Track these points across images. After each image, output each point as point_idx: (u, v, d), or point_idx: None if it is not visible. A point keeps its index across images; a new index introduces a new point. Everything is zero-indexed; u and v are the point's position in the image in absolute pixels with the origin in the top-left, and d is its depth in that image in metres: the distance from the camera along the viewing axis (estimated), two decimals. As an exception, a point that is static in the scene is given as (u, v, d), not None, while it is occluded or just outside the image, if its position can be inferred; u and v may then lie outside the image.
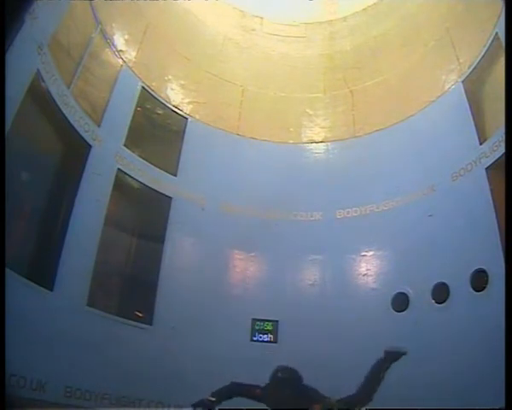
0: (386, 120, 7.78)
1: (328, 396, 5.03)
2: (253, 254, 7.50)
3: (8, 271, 3.74)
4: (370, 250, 7.10)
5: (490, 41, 6.31)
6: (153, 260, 6.83)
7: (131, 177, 6.94)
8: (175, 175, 7.50)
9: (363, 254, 7.13)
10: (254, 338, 6.81)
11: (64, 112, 5.75)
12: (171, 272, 6.77)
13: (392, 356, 5.11)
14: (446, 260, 6.04)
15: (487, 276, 5.43)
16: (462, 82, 6.81)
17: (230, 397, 4.94)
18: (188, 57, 8.26)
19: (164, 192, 7.25)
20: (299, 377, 5.00)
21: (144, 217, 7.42)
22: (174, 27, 8.21)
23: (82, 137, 6.12)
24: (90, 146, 6.23)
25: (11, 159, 3.34)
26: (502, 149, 5.53)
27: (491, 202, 5.69)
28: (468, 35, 6.88)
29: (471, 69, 6.72)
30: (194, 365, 6.21)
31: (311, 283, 7.26)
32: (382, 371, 4.88)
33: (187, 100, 8.15)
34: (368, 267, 7.02)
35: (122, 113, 7.04)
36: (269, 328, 6.88)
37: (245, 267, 7.43)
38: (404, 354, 5.17)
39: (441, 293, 5.96)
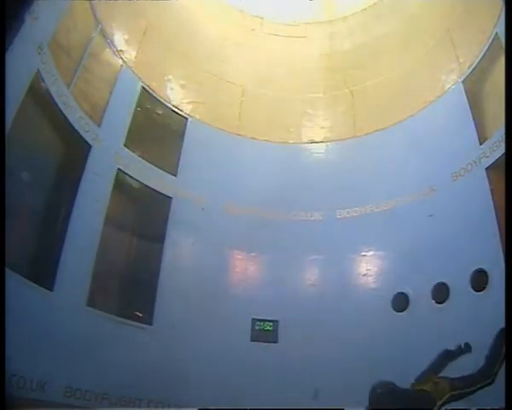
0: (387, 120, 7.78)
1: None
2: (253, 254, 7.51)
3: (8, 271, 3.73)
4: (370, 250, 7.10)
5: (490, 41, 6.31)
6: (153, 260, 6.83)
7: (131, 177, 6.95)
8: (175, 175, 7.50)
9: (363, 254, 7.13)
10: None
11: (64, 112, 5.75)
12: (171, 272, 6.77)
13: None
14: (446, 260, 6.04)
15: (487, 276, 5.43)
16: (462, 82, 6.81)
17: None
18: (188, 57, 8.27)
19: (164, 192, 7.25)
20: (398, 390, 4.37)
21: (144, 217, 7.42)
22: (174, 27, 8.21)
23: (82, 137, 6.12)
24: (90, 146, 6.23)
25: (11, 159, 3.35)
26: (502, 149, 5.52)
27: (491, 202, 5.69)
28: (468, 35, 6.88)
29: (471, 69, 6.73)
30: (194, 364, 6.21)
31: (311, 283, 7.26)
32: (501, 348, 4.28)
33: (187, 100, 8.15)
34: (368, 267, 7.02)
35: (122, 113, 7.04)
36: (269, 328, 6.88)
37: (245, 267, 7.43)
38: None
39: (441, 293, 5.96)
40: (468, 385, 4.42)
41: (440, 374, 4.61)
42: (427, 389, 4.38)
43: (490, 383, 4.33)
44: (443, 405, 4.24)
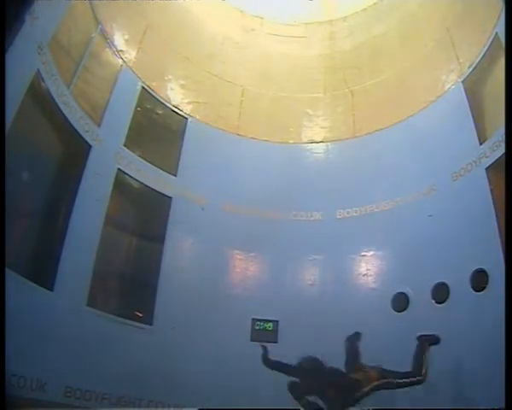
0: (387, 119, 7.78)
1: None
2: (252, 254, 7.50)
3: (8, 271, 3.73)
4: (370, 250, 7.10)
5: (490, 41, 6.31)
6: (153, 260, 6.83)
7: (131, 177, 6.94)
8: (175, 175, 7.50)
9: (363, 254, 7.13)
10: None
11: (64, 112, 5.75)
12: (171, 272, 6.77)
13: (428, 341, 5.57)
14: (446, 260, 6.04)
15: (487, 276, 5.43)
16: (462, 82, 6.81)
17: None
18: (188, 57, 8.27)
19: (164, 192, 7.25)
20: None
21: (144, 217, 7.42)
22: (174, 27, 8.22)
23: (82, 137, 6.12)
24: (90, 146, 6.23)
25: (11, 159, 3.35)
26: (502, 149, 5.52)
27: (491, 202, 5.68)
28: (468, 35, 6.88)
29: (471, 69, 6.72)
30: (194, 364, 6.21)
31: (311, 283, 7.26)
32: (424, 354, 5.46)
33: (187, 100, 8.15)
34: (368, 267, 7.02)
35: (122, 113, 7.05)
36: (269, 328, 6.88)
37: (245, 267, 7.43)
38: (437, 339, 5.59)
39: (441, 293, 5.96)
40: (398, 377, 5.39)
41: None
42: (359, 378, 5.50)
43: (420, 382, 5.29)
44: (372, 390, 5.37)
